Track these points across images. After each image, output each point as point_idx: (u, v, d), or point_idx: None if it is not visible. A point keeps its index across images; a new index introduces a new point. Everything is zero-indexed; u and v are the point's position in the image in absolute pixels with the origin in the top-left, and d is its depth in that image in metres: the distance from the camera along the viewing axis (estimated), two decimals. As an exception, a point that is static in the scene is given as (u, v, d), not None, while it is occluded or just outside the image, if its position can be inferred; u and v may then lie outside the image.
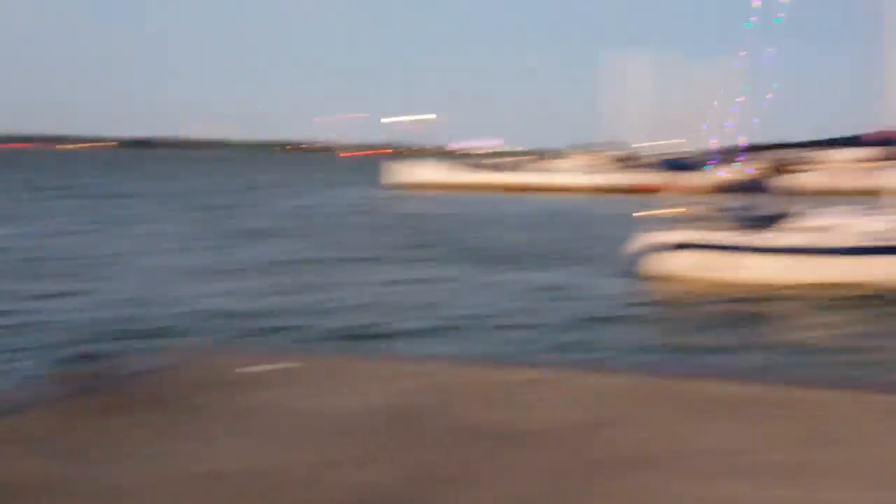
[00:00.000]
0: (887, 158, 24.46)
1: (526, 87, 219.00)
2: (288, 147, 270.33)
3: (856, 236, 23.21)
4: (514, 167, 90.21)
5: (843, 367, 14.40)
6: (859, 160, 24.66)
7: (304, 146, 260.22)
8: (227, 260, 27.44)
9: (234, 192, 70.67)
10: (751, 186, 24.98)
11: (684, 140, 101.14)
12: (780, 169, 24.96)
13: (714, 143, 27.08)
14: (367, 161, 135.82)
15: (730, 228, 25.02)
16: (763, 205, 24.45)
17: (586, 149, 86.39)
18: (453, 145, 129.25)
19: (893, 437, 5.56)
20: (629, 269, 25.62)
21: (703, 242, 24.41)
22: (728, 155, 26.14)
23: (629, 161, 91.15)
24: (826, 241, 23.31)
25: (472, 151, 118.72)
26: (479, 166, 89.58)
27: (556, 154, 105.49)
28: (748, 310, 20.69)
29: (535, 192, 75.91)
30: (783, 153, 24.92)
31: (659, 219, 25.17)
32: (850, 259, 23.01)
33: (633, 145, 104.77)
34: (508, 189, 77.45)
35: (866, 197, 28.84)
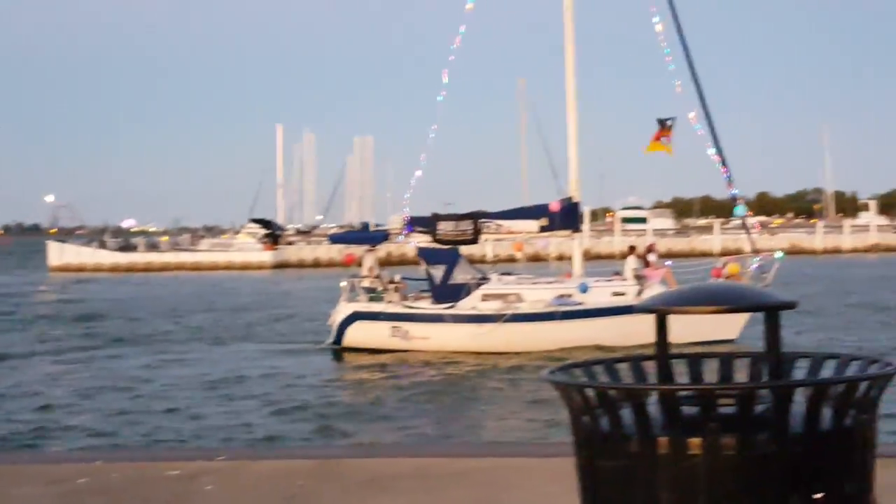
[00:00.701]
0: (558, 228, 26.09)
1: (193, 163, 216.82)
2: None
3: (530, 304, 24.48)
4: (188, 244, 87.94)
5: (518, 432, 14.83)
6: (536, 230, 26.11)
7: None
8: None
9: None
10: (439, 255, 25.73)
11: (360, 213, 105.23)
12: (468, 237, 25.92)
13: (404, 215, 27.77)
14: (26, 242, 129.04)
15: (413, 298, 25.76)
16: (451, 274, 25.21)
17: (257, 224, 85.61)
18: (123, 223, 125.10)
19: (565, 497, 5.66)
20: (321, 341, 25.78)
21: (385, 313, 24.93)
22: (414, 225, 26.91)
23: (308, 234, 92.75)
24: (503, 308, 24.38)
25: (135, 229, 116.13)
26: (153, 245, 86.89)
27: (219, 231, 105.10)
28: (426, 379, 21.12)
29: (209, 270, 74.50)
30: (472, 222, 25.90)
31: (349, 290, 25.47)
32: (527, 326, 24.18)
33: (318, 218, 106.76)
34: (180, 268, 75.52)
35: (540, 264, 30.82)
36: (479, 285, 25.02)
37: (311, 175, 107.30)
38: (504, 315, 23.98)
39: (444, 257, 25.37)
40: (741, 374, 3.77)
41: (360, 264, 26.59)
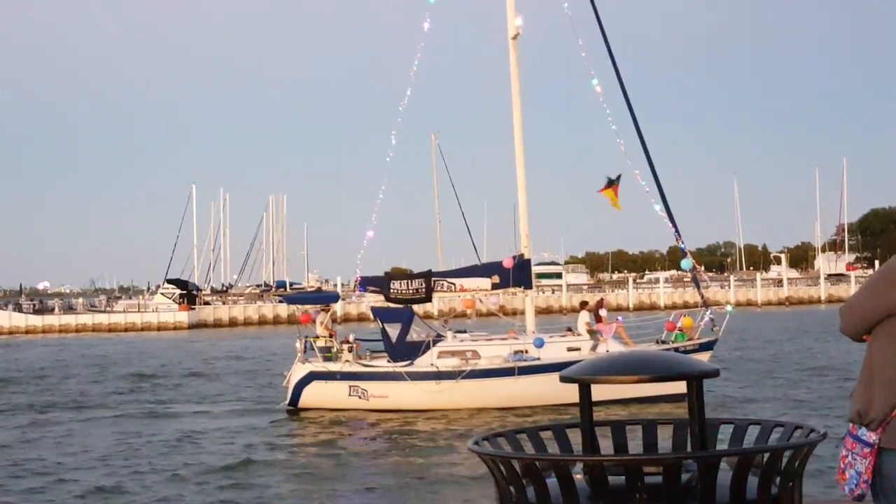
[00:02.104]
0: (510, 285, 26.16)
1: (108, 224, 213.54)
2: None
3: (487, 360, 24.43)
4: (104, 306, 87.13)
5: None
6: (489, 287, 26.13)
7: None
8: None
9: None
10: (393, 314, 25.63)
11: (276, 272, 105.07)
12: (421, 296, 25.87)
13: (356, 276, 27.69)
14: None
15: (368, 357, 25.61)
16: (406, 332, 25.11)
17: (172, 285, 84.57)
18: (39, 285, 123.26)
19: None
20: (273, 402, 25.50)
21: (342, 372, 24.73)
22: (367, 285, 26.83)
23: (224, 294, 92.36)
24: (460, 365, 24.31)
25: (50, 290, 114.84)
26: (70, 307, 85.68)
27: (136, 291, 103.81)
28: (385, 438, 20.91)
29: (125, 331, 73.58)
30: (424, 281, 25.88)
31: (304, 351, 25.23)
32: (485, 382, 24.13)
33: (234, 277, 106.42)
34: (96, 330, 74.64)
35: (490, 320, 30.82)
36: (434, 343, 24.93)
37: (226, 234, 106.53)
38: (462, 371, 23.90)
39: (399, 316, 25.25)
40: (666, 442, 3.75)
41: (317, 323, 26.36)
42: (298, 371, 24.90)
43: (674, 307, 61.79)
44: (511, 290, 26.85)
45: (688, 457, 3.38)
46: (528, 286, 26.66)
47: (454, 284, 26.17)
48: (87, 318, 79.18)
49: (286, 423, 23.68)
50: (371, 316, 26.85)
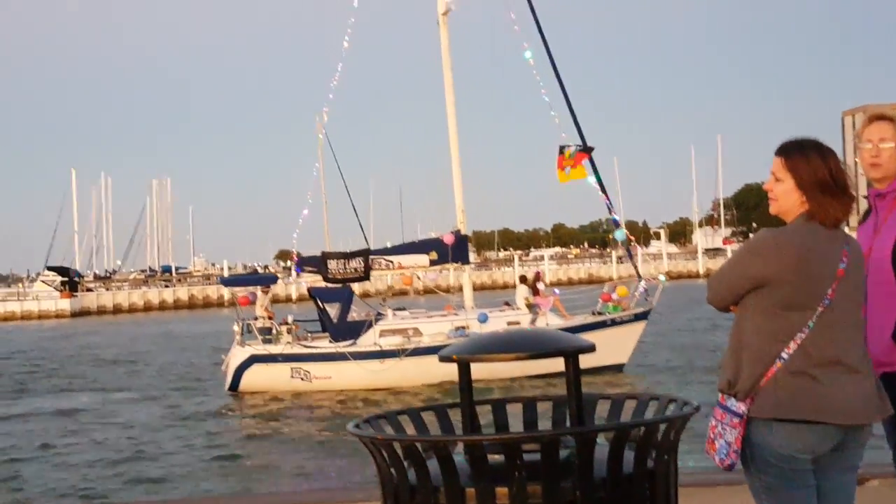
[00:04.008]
0: (449, 261, 26.21)
1: None
2: None
3: (430, 338, 24.46)
4: None
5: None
6: (426, 264, 26.17)
7: None
8: None
9: None
10: (331, 294, 25.56)
11: (160, 257, 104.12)
12: (359, 275, 25.81)
13: (292, 255, 27.51)
14: None
15: (309, 338, 25.53)
16: (346, 312, 25.07)
17: (53, 272, 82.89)
18: None
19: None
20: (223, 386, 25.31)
21: (284, 354, 24.63)
22: (303, 265, 26.69)
23: (108, 280, 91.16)
24: (403, 344, 24.34)
25: None
26: None
27: (15, 279, 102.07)
28: (328, 420, 20.87)
29: (4, 320, 72.41)
30: (362, 259, 25.82)
31: (242, 334, 25.07)
32: (428, 359, 24.15)
33: (117, 263, 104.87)
34: None
35: (428, 297, 30.87)
36: (375, 321, 24.93)
37: (108, 219, 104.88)
38: (406, 349, 23.92)
39: (338, 296, 25.21)
40: (546, 419, 3.76)
41: (256, 305, 26.17)
42: (238, 354, 24.73)
43: (558, 283, 62.15)
44: (448, 265, 26.89)
45: (564, 433, 3.39)
46: (466, 262, 26.76)
47: (392, 262, 26.18)
48: None
49: (227, 407, 23.52)
50: (309, 295, 26.71)
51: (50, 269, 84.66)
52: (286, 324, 25.37)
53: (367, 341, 24.49)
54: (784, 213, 3.57)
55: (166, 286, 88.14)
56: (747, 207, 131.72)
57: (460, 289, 27.36)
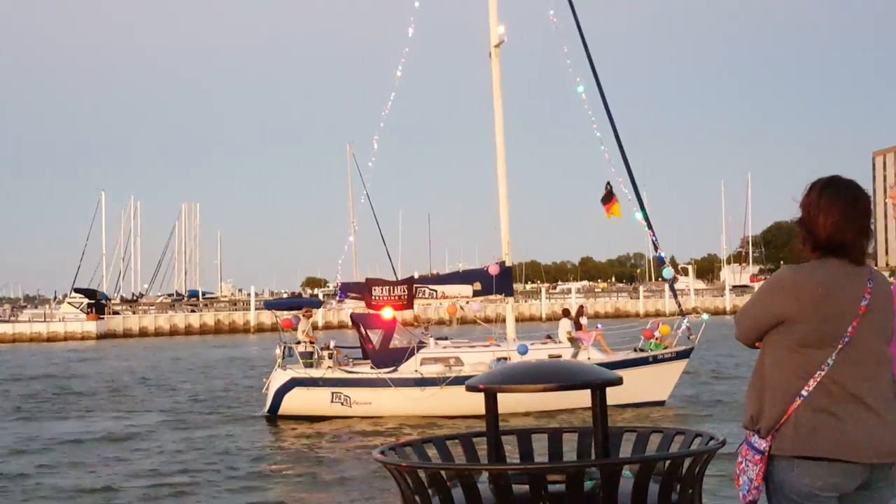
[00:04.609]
0: (492, 292, 26.21)
1: (13, 232, 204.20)
2: None
3: (471, 367, 24.39)
4: (8, 315, 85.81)
5: None
6: (470, 294, 26.17)
7: None
8: None
9: None
10: (374, 321, 25.61)
11: (188, 281, 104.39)
12: (403, 302, 25.88)
13: (337, 281, 27.63)
14: None
15: (350, 364, 25.57)
16: (389, 339, 25.09)
17: (80, 294, 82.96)
18: None
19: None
20: (262, 410, 25.40)
21: (325, 378, 24.66)
22: (347, 291, 26.80)
23: (134, 303, 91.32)
24: (444, 372, 24.30)
25: None
26: None
27: (42, 301, 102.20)
28: (367, 446, 20.85)
29: (30, 342, 72.32)
30: (406, 287, 25.90)
31: (283, 357, 25.19)
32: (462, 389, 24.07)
33: (144, 287, 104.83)
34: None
35: (468, 327, 30.79)
36: (417, 350, 24.93)
37: (137, 243, 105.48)
38: (446, 378, 23.87)
39: (381, 323, 25.26)
40: (571, 450, 3.76)
41: (299, 329, 26.28)
42: (279, 378, 24.82)
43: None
44: (492, 297, 26.86)
45: (590, 465, 3.40)
46: (510, 293, 26.71)
47: (436, 291, 26.18)
48: None
49: (266, 430, 23.60)
50: (352, 322, 26.77)
51: (77, 291, 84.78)
52: (327, 348, 25.44)
53: (409, 369, 24.49)
54: (806, 249, 3.59)
55: (193, 311, 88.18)
56: (776, 246, 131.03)
57: (503, 320, 27.30)
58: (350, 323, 27.04)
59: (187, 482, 16.88)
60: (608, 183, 25.74)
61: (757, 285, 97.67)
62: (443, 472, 3.43)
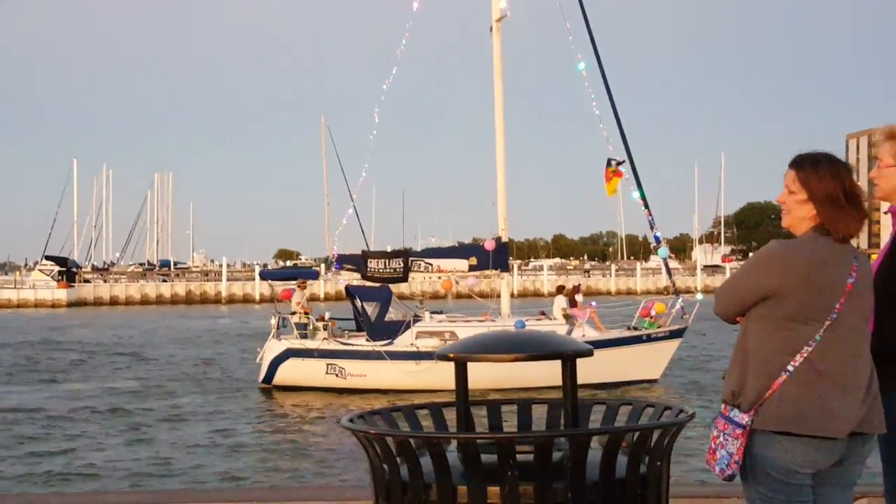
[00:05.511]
0: (488, 267, 26.21)
1: None
2: None
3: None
4: None
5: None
6: (465, 269, 26.17)
7: None
8: None
9: None
10: (370, 293, 25.63)
11: (159, 251, 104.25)
12: (398, 275, 25.89)
13: (332, 253, 27.54)
14: None
15: (345, 336, 25.60)
16: (385, 311, 25.12)
17: (52, 262, 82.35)
18: None
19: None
20: (254, 380, 25.46)
21: (320, 350, 24.70)
22: (343, 263, 26.75)
23: (105, 272, 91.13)
24: (439, 346, 24.32)
25: None
26: None
27: (12, 267, 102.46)
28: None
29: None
30: (402, 260, 25.91)
31: (278, 328, 25.21)
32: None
33: (116, 255, 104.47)
34: None
35: (464, 302, 30.81)
36: (413, 323, 24.95)
37: (108, 211, 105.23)
38: None
39: (376, 295, 25.27)
40: (541, 421, 3.75)
41: (295, 301, 26.28)
42: (274, 348, 24.84)
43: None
44: (488, 272, 26.86)
45: (558, 435, 3.39)
46: (506, 269, 26.70)
47: (431, 265, 26.18)
48: None
49: (259, 400, 23.68)
50: (347, 294, 26.77)
51: (48, 258, 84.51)
52: (323, 320, 25.46)
53: (404, 342, 24.52)
54: (795, 225, 3.55)
55: (164, 281, 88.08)
56: (748, 226, 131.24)
57: (497, 295, 27.30)
58: (345, 295, 27.02)
59: (177, 446, 17.04)
60: (614, 159, 25.64)
61: (728, 265, 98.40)
62: (411, 441, 3.42)
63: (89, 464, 15.84)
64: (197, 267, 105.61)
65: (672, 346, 24.83)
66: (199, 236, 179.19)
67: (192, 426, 19.68)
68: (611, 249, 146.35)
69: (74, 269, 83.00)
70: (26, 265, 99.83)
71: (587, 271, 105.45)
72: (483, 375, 23.61)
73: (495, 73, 27.14)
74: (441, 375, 24.15)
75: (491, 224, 26.90)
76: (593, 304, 27.06)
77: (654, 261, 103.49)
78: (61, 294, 77.05)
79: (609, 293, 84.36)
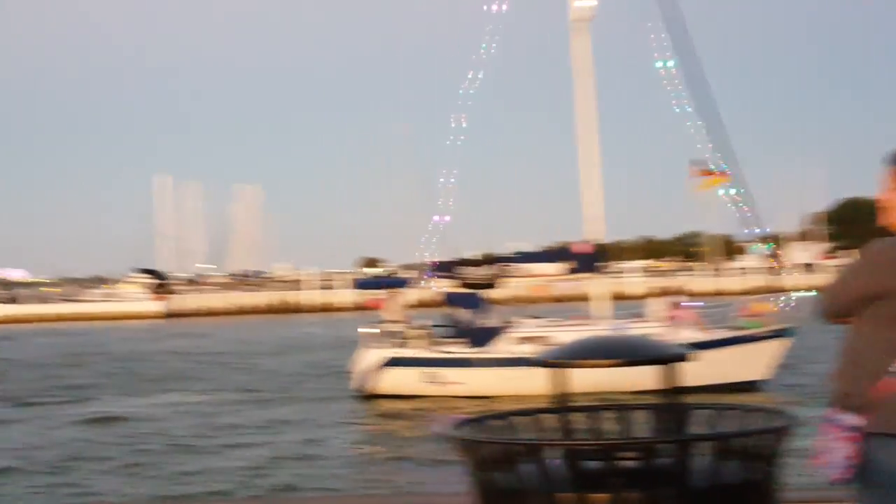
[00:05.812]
0: (582, 271, 25.96)
1: (71, 213, 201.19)
2: None
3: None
4: (77, 295, 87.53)
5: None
6: (558, 273, 25.98)
7: None
8: None
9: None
10: (466, 300, 25.61)
11: (247, 262, 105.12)
12: (492, 281, 25.84)
13: (427, 259, 27.61)
14: None
15: (441, 343, 25.55)
16: (481, 318, 25.08)
17: (144, 274, 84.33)
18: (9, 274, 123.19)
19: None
20: (349, 388, 25.55)
21: (418, 358, 24.70)
22: (437, 270, 26.78)
23: (198, 284, 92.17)
24: (538, 351, 24.16)
25: (26, 280, 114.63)
26: (42, 298, 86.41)
27: (102, 281, 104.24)
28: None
29: (100, 320, 72.64)
30: (495, 266, 25.88)
31: (375, 336, 25.29)
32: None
33: (207, 267, 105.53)
34: (75, 318, 74.00)
35: (556, 306, 30.61)
36: (509, 329, 24.85)
37: (195, 224, 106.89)
38: None
39: (471, 301, 25.23)
40: (643, 427, 3.67)
41: (389, 309, 26.38)
42: (369, 357, 24.90)
43: (648, 296, 59.70)
44: (582, 276, 26.62)
45: (663, 441, 3.31)
46: (600, 272, 26.42)
47: (524, 270, 26.05)
48: (62, 308, 79.49)
49: (355, 409, 23.75)
50: (443, 301, 26.79)
51: (142, 271, 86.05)
52: (419, 328, 25.47)
53: (502, 348, 24.41)
54: (894, 224, 3.42)
55: (252, 290, 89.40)
56: (846, 223, 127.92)
57: (588, 299, 27.00)
58: (443, 302, 27.05)
59: (274, 458, 17.27)
60: (712, 163, 25.39)
61: (830, 263, 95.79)
62: (512, 447, 3.38)
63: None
64: (284, 277, 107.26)
65: (779, 345, 24.07)
66: (285, 246, 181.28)
67: (286, 434, 19.94)
68: (702, 249, 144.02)
69: (165, 282, 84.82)
70: (118, 279, 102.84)
71: (677, 272, 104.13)
72: (582, 380, 23.48)
73: (583, 73, 26.88)
74: (540, 381, 23.96)
75: (573, 227, 26.64)
76: (695, 304, 26.54)
77: (744, 260, 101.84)
78: (157, 306, 78.67)
79: (701, 294, 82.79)
